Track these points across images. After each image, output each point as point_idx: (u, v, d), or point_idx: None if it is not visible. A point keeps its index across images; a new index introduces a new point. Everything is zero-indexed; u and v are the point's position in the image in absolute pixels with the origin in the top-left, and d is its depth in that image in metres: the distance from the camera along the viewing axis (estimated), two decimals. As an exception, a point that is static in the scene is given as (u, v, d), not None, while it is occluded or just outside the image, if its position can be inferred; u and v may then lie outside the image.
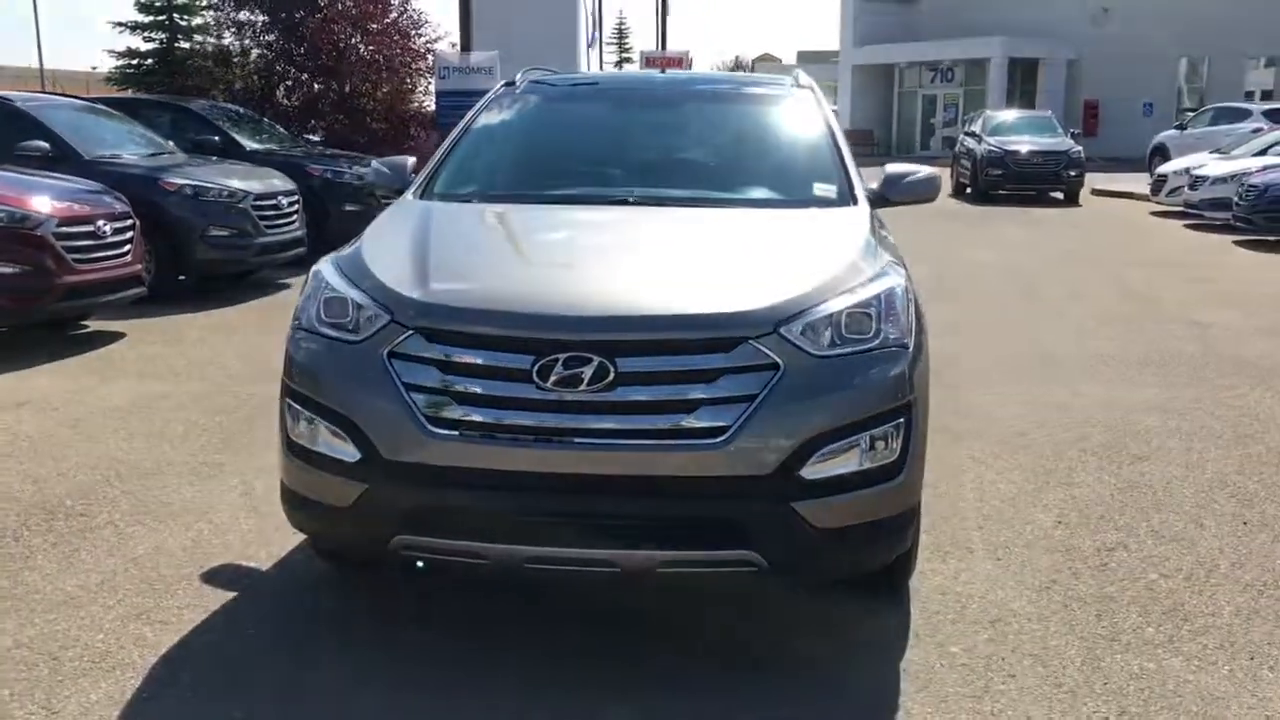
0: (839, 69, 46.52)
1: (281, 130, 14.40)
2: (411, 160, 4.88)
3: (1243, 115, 26.81)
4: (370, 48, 15.81)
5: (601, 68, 55.88)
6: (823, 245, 3.86)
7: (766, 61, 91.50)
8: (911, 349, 3.50)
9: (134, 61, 23.70)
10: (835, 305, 3.42)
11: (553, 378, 3.24)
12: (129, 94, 15.79)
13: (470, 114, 5.06)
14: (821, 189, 4.50)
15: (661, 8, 32.13)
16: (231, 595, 4.01)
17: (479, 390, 3.32)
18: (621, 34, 74.07)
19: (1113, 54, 39.86)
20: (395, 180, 4.82)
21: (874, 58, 44.79)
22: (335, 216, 12.74)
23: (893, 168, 4.70)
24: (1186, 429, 6.31)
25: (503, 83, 5.28)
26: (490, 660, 3.57)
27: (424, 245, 3.84)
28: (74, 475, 5.33)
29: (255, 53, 15.98)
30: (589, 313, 3.32)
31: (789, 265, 3.62)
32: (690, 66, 33.47)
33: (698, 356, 3.27)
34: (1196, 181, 18.61)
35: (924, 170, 4.69)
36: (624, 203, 4.36)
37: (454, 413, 3.31)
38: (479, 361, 3.34)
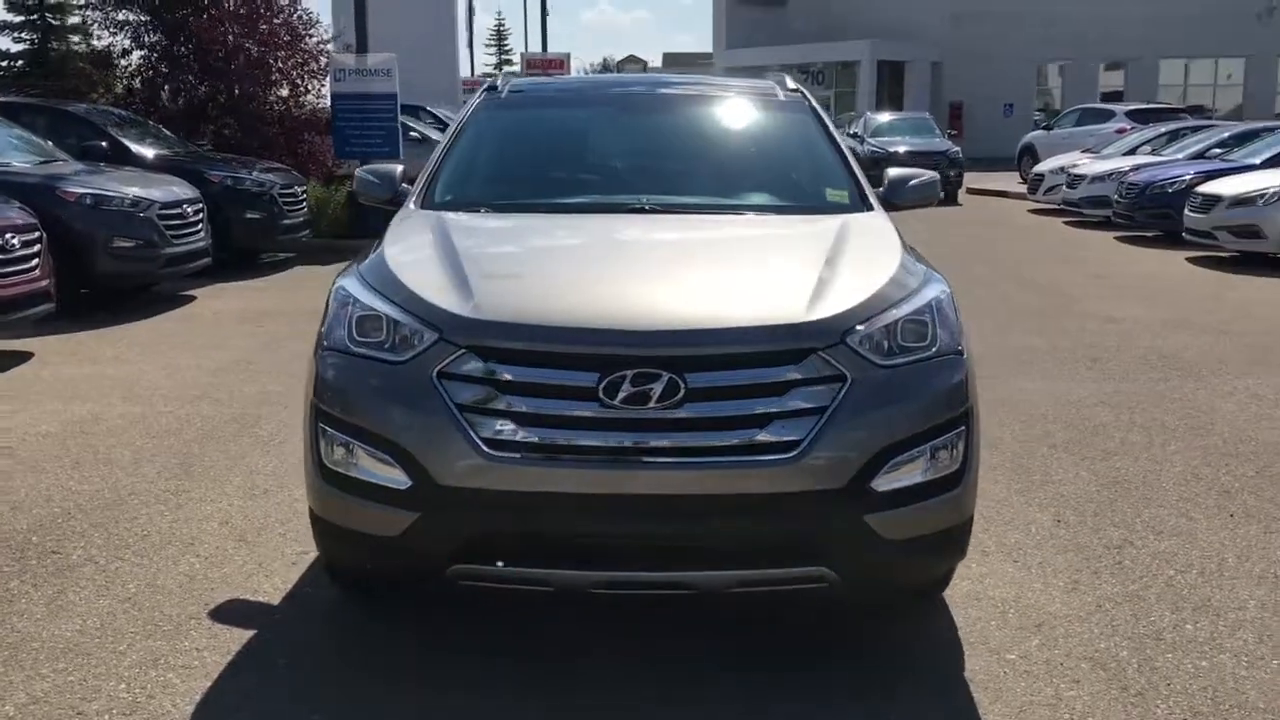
0: (713, 72, 46.93)
1: (170, 135, 13.80)
2: (399, 168, 4.68)
3: (1106, 116, 27.97)
4: (260, 48, 15.25)
5: (473, 70, 55.23)
6: (865, 253, 3.82)
7: (632, 64, 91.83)
8: (966, 356, 3.49)
9: (3, 64, 22.40)
10: (894, 314, 3.39)
11: (620, 395, 3.12)
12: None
13: (459, 120, 4.87)
14: (834, 194, 4.48)
15: (542, 9, 31.93)
16: (249, 633, 3.76)
17: (540, 410, 3.18)
18: (500, 35, 73.40)
19: (974, 57, 41.13)
20: (384, 189, 4.62)
21: (746, 60, 45.19)
22: (237, 225, 12.28)
23: (894, 172, 4.70)
24: (1141, 423, 6.48)
25: (485, 88, 5.10)
26: (544, 679, 3.43)
27: (453, 258, 3.66)
28: (30, 509, 4.96)
29: (137, 54, 15.28)
30: (657, 326, 3.21)
31: (841, 274, 3.56)
32: (569, 69, 33.42)
33: (767, 369, 3.20)
34: (1075, 180, 19.31)
35: (925, 174, 4.71)
36: (640, 210, 4.26)
37: (514, 434, 3.17)
38: (539, 380, 3.20)
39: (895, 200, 4.59)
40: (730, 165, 4.87)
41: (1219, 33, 39.79)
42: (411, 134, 17.07)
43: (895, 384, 3.29)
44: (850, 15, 43.14)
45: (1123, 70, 42.58)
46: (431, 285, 3.46)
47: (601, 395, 3.13)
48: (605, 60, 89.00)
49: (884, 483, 3.22)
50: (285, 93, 15.73)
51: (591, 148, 4.93)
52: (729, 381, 3.18)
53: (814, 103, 5.05)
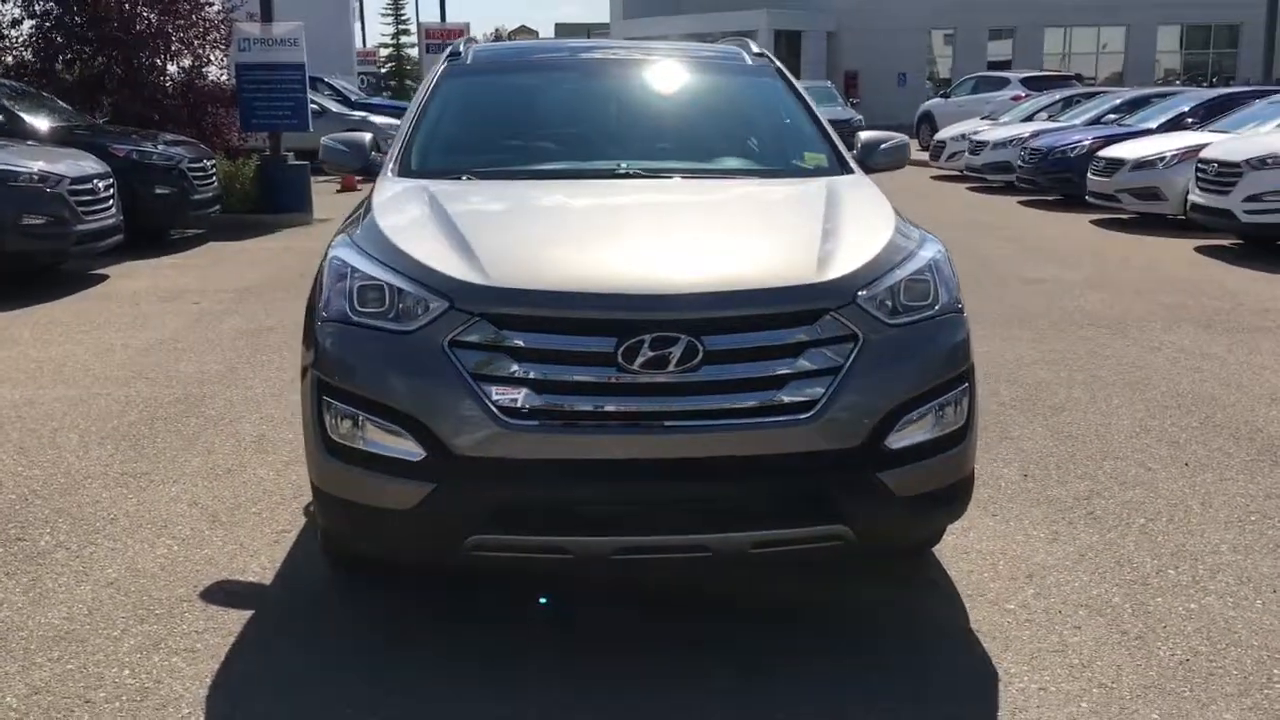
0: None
1: (66, 107, 13.24)
2: (369, 136, 4.57)
3: (1002, 84, 28.62)
4: (160, 17, 14.70)
5: (364, 42, 54.10)
6: (859, 214, 3.85)
7: (524, 33, 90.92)
8: (965, 314, 3.55)
9: None
10: (898, 274, 3.42)
11: (639, 360, 3.11)
12: None
13: (425, 87, 4.77)
14: (813, 158, 4.51)
15: (439, -22, 31.31)
16: (247, 614, 3.67)
17: (557, 376, 3.15)
18: (398, 5, 71.84)
19: (868, 26, 41.71)
20: (354, 159, 4.50)
21: (644, 30, 45.20)
22: (145, 200, 11.83)
23: (866, 135, 4.75)
24: (1082, 380, 6.68)
25: (448, 54, 5.00)
26: (555, 655, 3.42)
27: (449, 226, 3.59)
28: (-18, 496, 4.76)
29: (28, 24, 14.61)
30: (676, 290, 3.20)
31: (842, 235, 3.58)
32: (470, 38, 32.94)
33: (783, 331, 3.21)
34: (978, 147, 19.73)
35: (896, 137, 4.76)
36: (624, 175, 4.23)
37: (531, 401, 3.13)
38: (556, 347, 3.16)
39: (869, 163, 4.64)
40: (706, 129, 4.86)
41: (1100, 3, 40.96)
42: (311, 106, 16.66)
43: (904, 342, 3.33)
44: (747, -16, 43.38)
45: (1009, 39, 43.57)
46: (435, 253, 3.39)
47: (620, 360, 3.12)
48: (498, 30, 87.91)
49: (896, 440, 3.26)
50: (188, 63, 15.20)
51: (566, 114, 4.86)
52: (746, 344, 3.18)
53: (781, 67, 5.07)
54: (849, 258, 3.41)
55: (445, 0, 32.66)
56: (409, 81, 51.12)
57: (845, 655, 3.42)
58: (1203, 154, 12.29)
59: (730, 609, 3.71)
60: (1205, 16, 42.66)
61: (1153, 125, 16.29)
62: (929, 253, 3.60)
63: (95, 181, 10.22)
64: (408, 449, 3.20)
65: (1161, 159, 13.84)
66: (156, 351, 7.50)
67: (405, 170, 4.31)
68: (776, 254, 3.52)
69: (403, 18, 70.29)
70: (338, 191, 18.28)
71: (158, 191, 12.07)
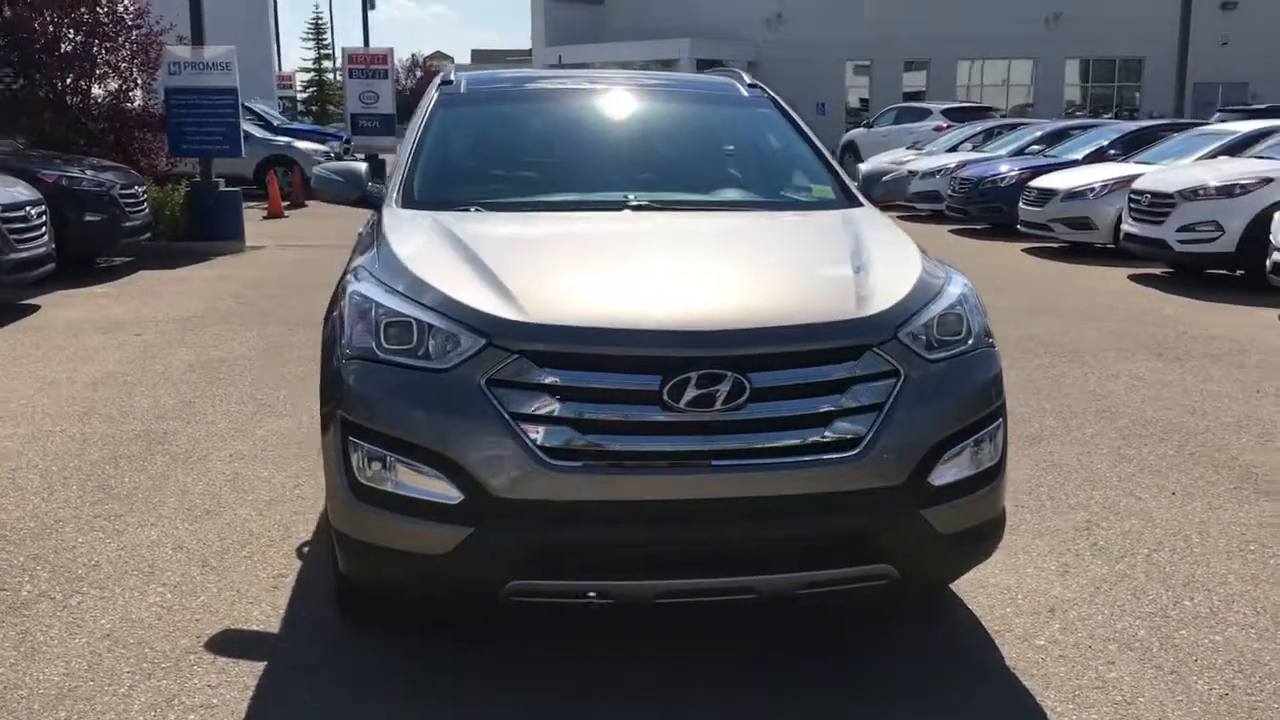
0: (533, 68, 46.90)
1: (-14, 132, 12.79)
2: (365, 166, 4.43)
3: (924, 114, 29.17)
4: (86, 39, 14.29)
5: (280, 63, 53.36)
6: (884, 249, 3.83)
7: (440, 60, 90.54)
8: (996, 349, 3.55)
9: None
10: (933, 309, 3.40)
11: (685, 397, 3.04)
12: None
13: (422, 116, 4.63)
14: (819, 189, 4.48)
15: (364, 4, 30.93)
16: (259, 665, 3.50)
17: (600, 415, 3.07)
18: (319, 29, 71.10)
19: (787, 56, 42.29)
20: (350, 189, 4.35)
21: (567, 58, 45.32)
22: (76, 227, 11.45)
23: (866, 167, 4.74)
24: (1053, 409, 6.76)
25: (440, 82, 4.88)
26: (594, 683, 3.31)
27: (473, 259, 3.49)
28: (-52, 543, 4.50)
29: (-56, 47, 14.08)
30: (722, 326, 3.13)
31: (873, 270, 3.55)
32: (393, 64, 32.67)
33: (827, 367, 3.16)
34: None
35: (897, 169, 4.77)
36: (640, 207, 4.15)
37: (574, 442, 3.04)
38: (599, 385, 3.08)
39: (870, 195, 4.63)
40: (709, 160, 4.83)
41: (1010, 36, 42.09)
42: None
43: (942, 378, 3.30)
44: (669, 14, 43.74)
45: (924, 71, 44.54)
46: (465, 289, 3.28)
47: (666, 398, 3.04)
48: (413, 56, 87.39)
49: (938, 477, 3.23)
50: (114, 86, 14.77)
51: (568, 145, 4.77)
52: (792, 380, 3.13)
53: (776, 98, 5.05)
54: (886, 293, 3.38)
55: (368, 25, 32.35)
56: (332, 106, 50.54)
57: (899, 694, 3.37)
58: (1135, 185, 12.60)
59: (760, 655, 3.64)
60: (1110, 50, 44.01)
61: (1078, 156, 16.70)
62: (958, 288, 3.59)
63: (28, 209, 9.86)
64: (443, 491, 3.09)
65: (1092, 189, 14.17)
66: (106, 386, 7.22)
67: (409, 201, 4.17)
68: (815, 289, 3.48)
69: (324, 42, 69.55)
70: (264, 218, 17.94)
71: (88, 218, 11.69)
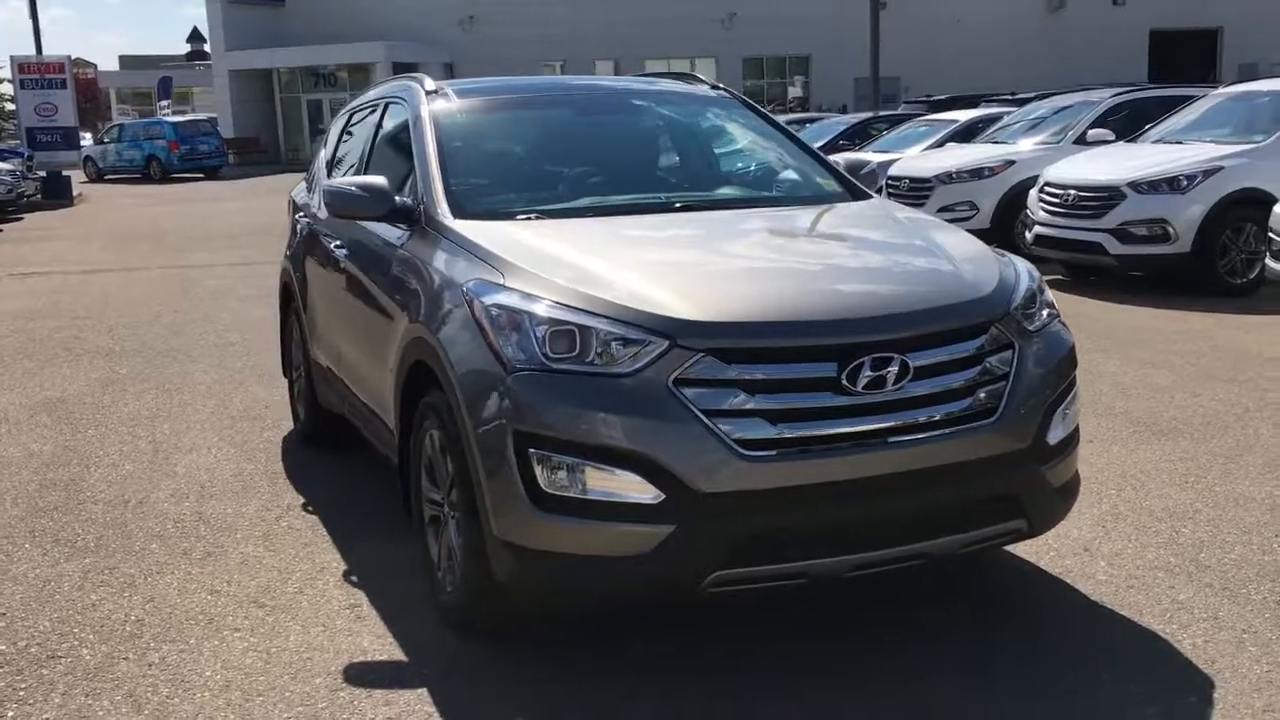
0: (214, 74, 44.51)
1: None
2: (385, 180, 4.26)
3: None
4: None
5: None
6: (945, 235, 4.14)
7: (82, 66, 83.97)
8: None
9: None
10: (1022, 286, 3.76)
11: (861, 381, 3.25)
12: None
13: (426, 125, 4.47)
14: (825, 183, 4.74)
15: (33, 10, 28.21)
16: (419, 692, 3.38)
17: (786, 405, 3.24)
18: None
19: (483, 57, 42.32)
20: (375, 205, 4.20)
21: (250, 62, 43.38)
22: None
23: (846, 159, 5.04)
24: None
25: (425, 92, 4.71)
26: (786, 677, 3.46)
27: (606, 265, 3.58)
28: (-57, 618, 4.00)
29: None
30: (884, 311, 3.37)
31: (956, 254, 3.88)
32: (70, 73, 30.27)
33: (966, 343, 3.46)
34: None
35: (870, 162, 5.11)
36: (689, 207, 4.30)
37: (766, 432, 3.21)
38: (782, 376, 3.24)
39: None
40: (721, 160, 5.02)
41: (692, 36, 44.08)
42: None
43: (1043, 347, 3.68)
44: (351, 18, 42.75)
45: (615, 69, 45.85)
46: (625, 293, 3.34)
47: (844, 382, 3.24)
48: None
49: (1052, 437, 3.60)
50: None
51: (585, 150, 4.76)
52: (942, 357, 3.41)
53: (746, 99, 5.29)
54: (987, 275, 3.72)
55: (39, 32, 29.56)
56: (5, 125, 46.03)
57: (1049, 648, 3.70)
58: (891, 171, 13.68)
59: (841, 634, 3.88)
60: (780, 49, 46.86)
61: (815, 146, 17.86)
62: (1024, 265, 3.97)
63: None
64: (640, 492, 3.17)
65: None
66: (-48, 436, 6.48)
67: (461, 212, 4.08)
68: (935, 274, 3.76)
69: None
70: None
71: None
